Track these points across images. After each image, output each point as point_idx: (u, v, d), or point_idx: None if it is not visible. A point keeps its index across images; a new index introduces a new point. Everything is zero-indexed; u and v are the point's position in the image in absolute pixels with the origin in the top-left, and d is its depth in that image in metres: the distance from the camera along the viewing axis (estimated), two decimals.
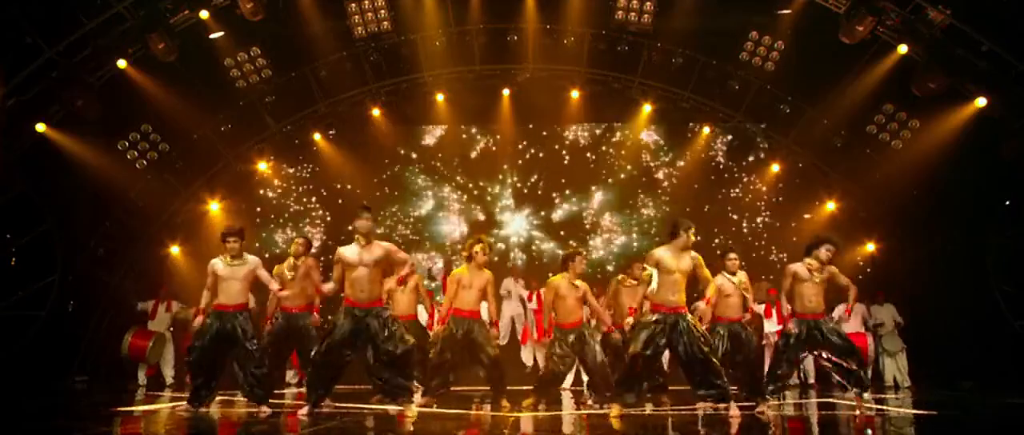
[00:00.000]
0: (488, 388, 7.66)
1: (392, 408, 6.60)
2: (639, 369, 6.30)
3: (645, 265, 6.41)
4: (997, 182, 9.89)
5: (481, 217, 12.68)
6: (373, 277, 6.33)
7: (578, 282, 7.40)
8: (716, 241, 11.68)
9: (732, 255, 7.73)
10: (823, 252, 6.88)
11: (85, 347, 10.67)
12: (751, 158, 12.44)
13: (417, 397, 7.03)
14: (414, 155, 12.78)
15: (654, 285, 6.23)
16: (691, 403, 7.03)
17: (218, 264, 6.75)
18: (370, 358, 6.63)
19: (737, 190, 12.47)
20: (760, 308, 10.02)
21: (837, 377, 6.92)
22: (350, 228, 6.50)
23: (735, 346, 7.41)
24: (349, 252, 6.37)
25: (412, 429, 5.76)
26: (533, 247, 12.62)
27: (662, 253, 6.33)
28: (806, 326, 6.88)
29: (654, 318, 6.28)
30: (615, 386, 6.66)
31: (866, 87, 10.23)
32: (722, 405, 6.30)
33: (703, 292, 6.65)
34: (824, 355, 6.91)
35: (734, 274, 7.59)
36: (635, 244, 12.37)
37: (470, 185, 12.77)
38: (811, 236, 7.58)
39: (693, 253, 6.38)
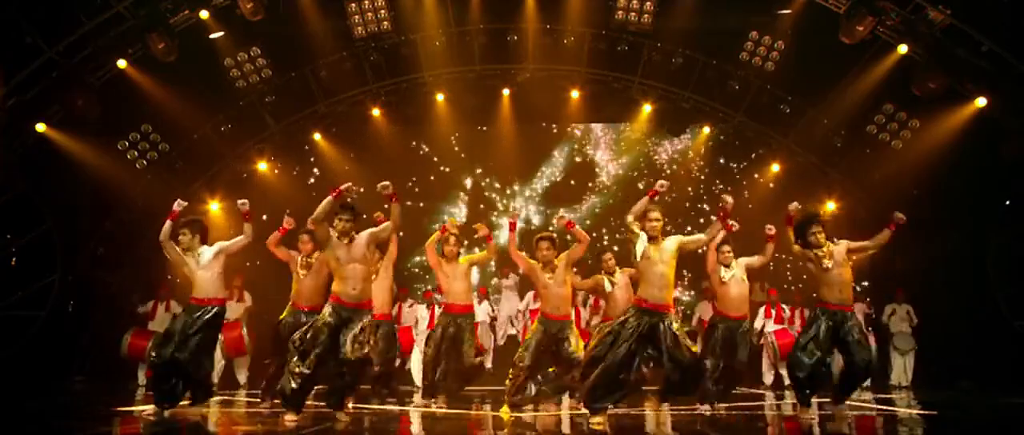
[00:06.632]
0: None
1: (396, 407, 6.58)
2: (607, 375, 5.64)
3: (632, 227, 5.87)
4: (997, 182, 9.89)
5: (479, 217, 12.65)
6: (364, 274, 6.00)
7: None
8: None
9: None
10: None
11: (85, 347, 10.65)
12: (751, 158, 12.42)
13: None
14: (414, 156, 12.76)
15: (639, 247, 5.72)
16: (691, 404, 7.02)
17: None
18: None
19: (737, 190, 12.44)
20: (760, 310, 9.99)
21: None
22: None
23: None
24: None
25: (414, 429, 5.76)
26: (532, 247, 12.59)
27: (643, 241, 5.81)
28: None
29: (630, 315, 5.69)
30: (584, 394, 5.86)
31: (866, 87, 10.23)
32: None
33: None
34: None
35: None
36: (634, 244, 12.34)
37: (469, 185, 12.75)
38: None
39: (671, 242, 5.92)
